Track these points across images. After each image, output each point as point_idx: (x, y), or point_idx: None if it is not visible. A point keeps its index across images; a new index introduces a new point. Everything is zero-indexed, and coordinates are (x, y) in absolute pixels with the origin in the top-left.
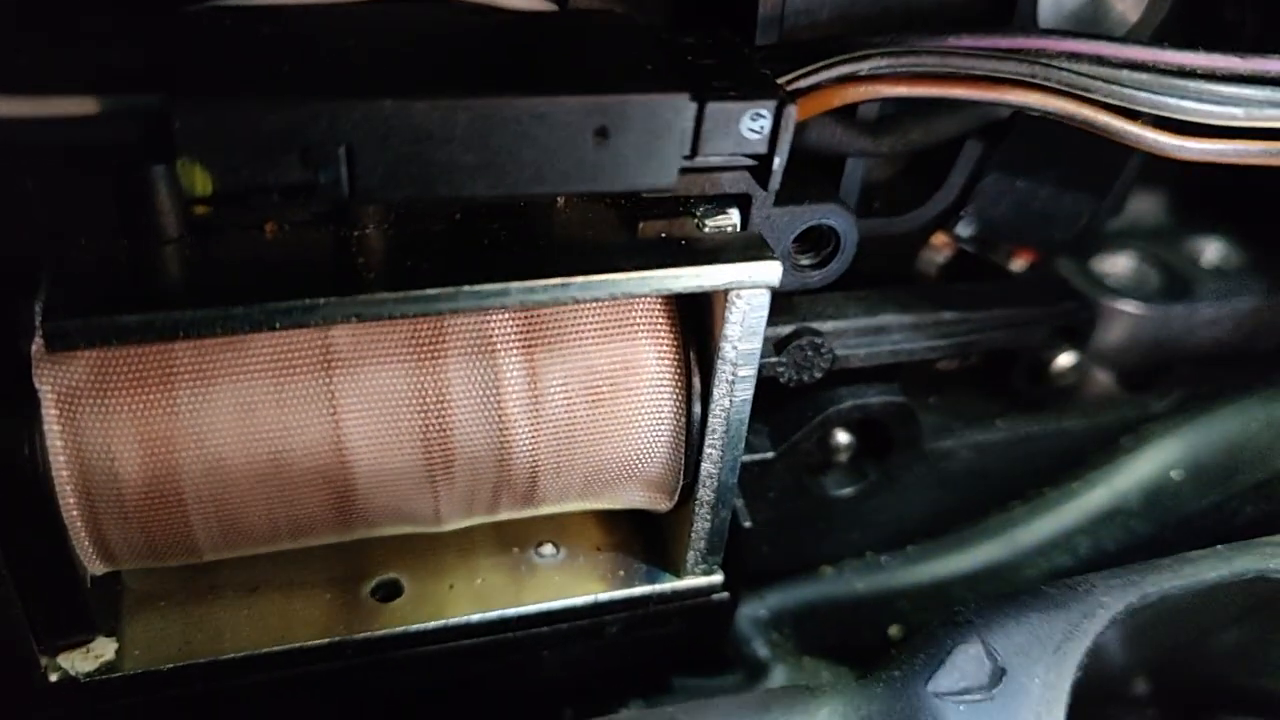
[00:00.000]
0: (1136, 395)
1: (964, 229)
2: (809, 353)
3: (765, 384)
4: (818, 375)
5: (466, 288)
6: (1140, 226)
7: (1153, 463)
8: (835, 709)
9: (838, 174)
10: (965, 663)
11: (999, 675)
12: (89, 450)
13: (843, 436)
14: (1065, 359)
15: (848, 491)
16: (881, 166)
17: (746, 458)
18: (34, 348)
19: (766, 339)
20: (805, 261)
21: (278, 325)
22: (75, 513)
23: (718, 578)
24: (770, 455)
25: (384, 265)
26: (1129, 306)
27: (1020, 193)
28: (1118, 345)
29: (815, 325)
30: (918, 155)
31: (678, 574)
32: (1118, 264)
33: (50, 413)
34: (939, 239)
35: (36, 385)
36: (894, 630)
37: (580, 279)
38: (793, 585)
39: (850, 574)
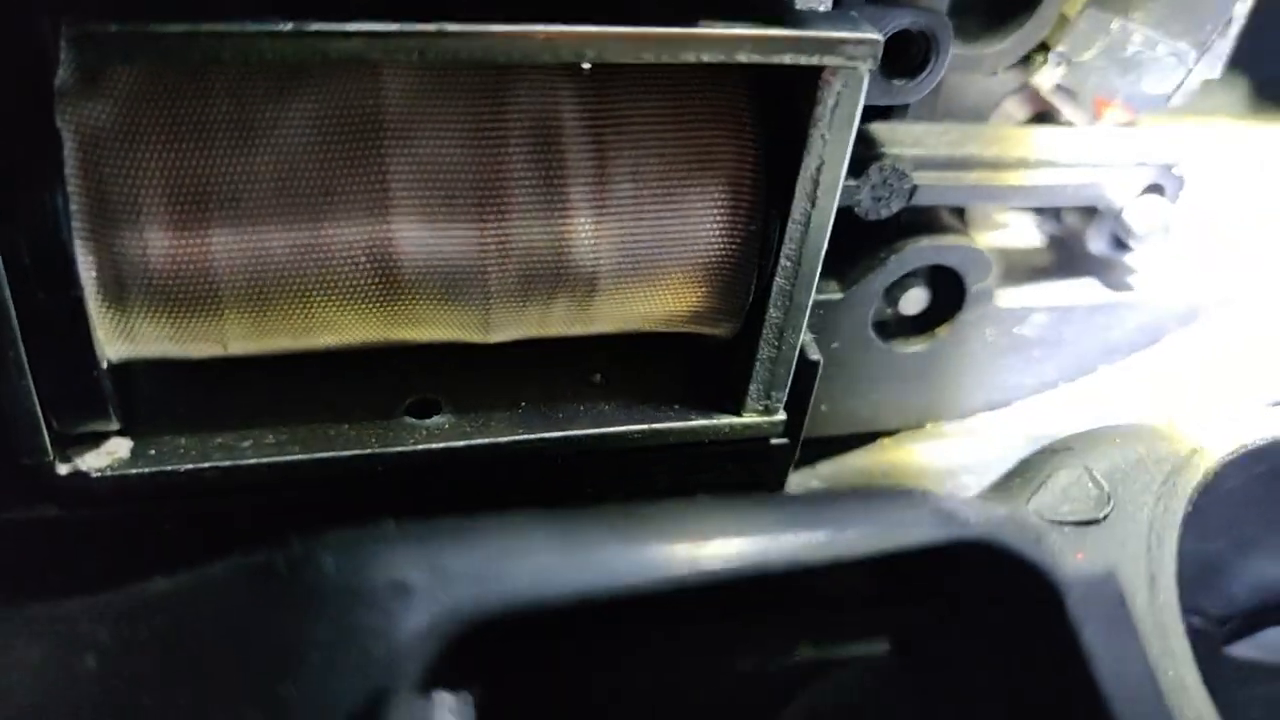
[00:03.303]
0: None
1: (1050, 72)
2: (889, 178)
3: (836, 221)
4: (895, 209)
5: (543, 27)
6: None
7: None
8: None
9: None
10: (1069, 487)
11: (1105, 501)
12: (113, 204)
13: (914, 287)
14: (1154, 218)
15: (914, 349)
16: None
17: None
18: (58, 80)
19: None
20: (891, 75)
21: (332, 55)
22: (94, 274)
23: (780, 417)
24: (838, 296)
25: (449, 5)
26: None
27: (1114, 35)
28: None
29: (896, 151)
30: None
31: (737, 412)
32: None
33: (72, 158)
34: (1012, 103)
35: (59, 125)
36: None
37: (665, 31)
38: (850, 454)
39: (911, 445)
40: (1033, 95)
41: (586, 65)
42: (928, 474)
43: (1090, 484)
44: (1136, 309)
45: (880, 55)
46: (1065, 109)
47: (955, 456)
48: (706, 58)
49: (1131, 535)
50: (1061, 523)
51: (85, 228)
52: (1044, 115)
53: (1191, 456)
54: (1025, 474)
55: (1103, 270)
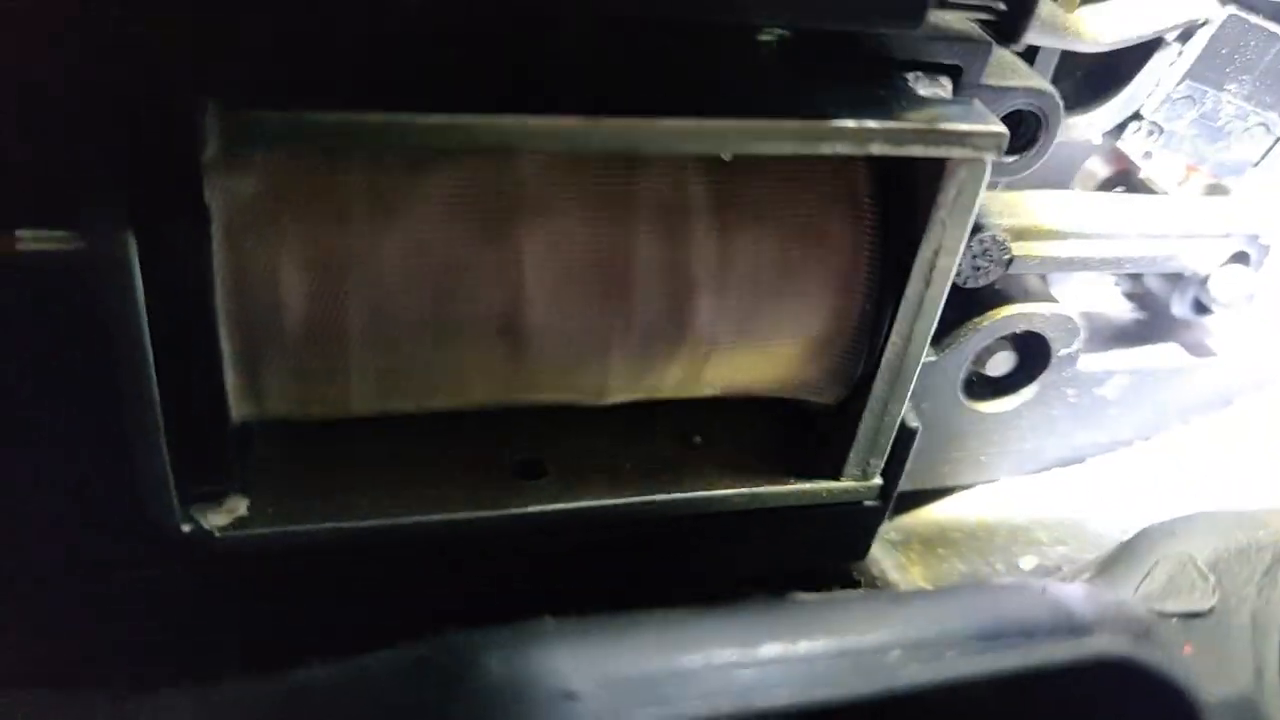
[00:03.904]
0: None
1: (1142, 141)
2: (989, 249)
3: None
4: (993, 278)
5: (687, 121)
6: None
7: None
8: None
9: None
10: (1175, 576)
11: (1211, 592)
12: (254, 273)
13: (1002, 350)
14: (1239, 287)
15: (999, 409)
16: (1067, 68)
17: None
18: (207, 155)
19: None
20: None
21: (482, 144)
22: (231, 342)
23: (876, 481)
24: (932, 359)
25: (581, 92)
26: None
27: (1208, 106)
28: None
29: (995, 221)
30: (1104, 61)
31: (835, 476)
32: None
33: (218, 229)
34: (1095, 162)
35: (207, 199)
36: (1026, 561)
37: (802, 124)
38: (926, 507)
39: (986, 500)
40: (1115, 155)
41: (727, 157)
42: (1002, 530)
43: (1195, 574)
44: (1212, 372)
45: (1005, 146)
46: (1150, 172)
47: (1030, 513)
48: (841, 149)
49: (1236, 628)
50: (1169, 614)
51: (227, 297)
52: (1124, 173)
53: None
54: (1128, 560)
55: (1181, 333)
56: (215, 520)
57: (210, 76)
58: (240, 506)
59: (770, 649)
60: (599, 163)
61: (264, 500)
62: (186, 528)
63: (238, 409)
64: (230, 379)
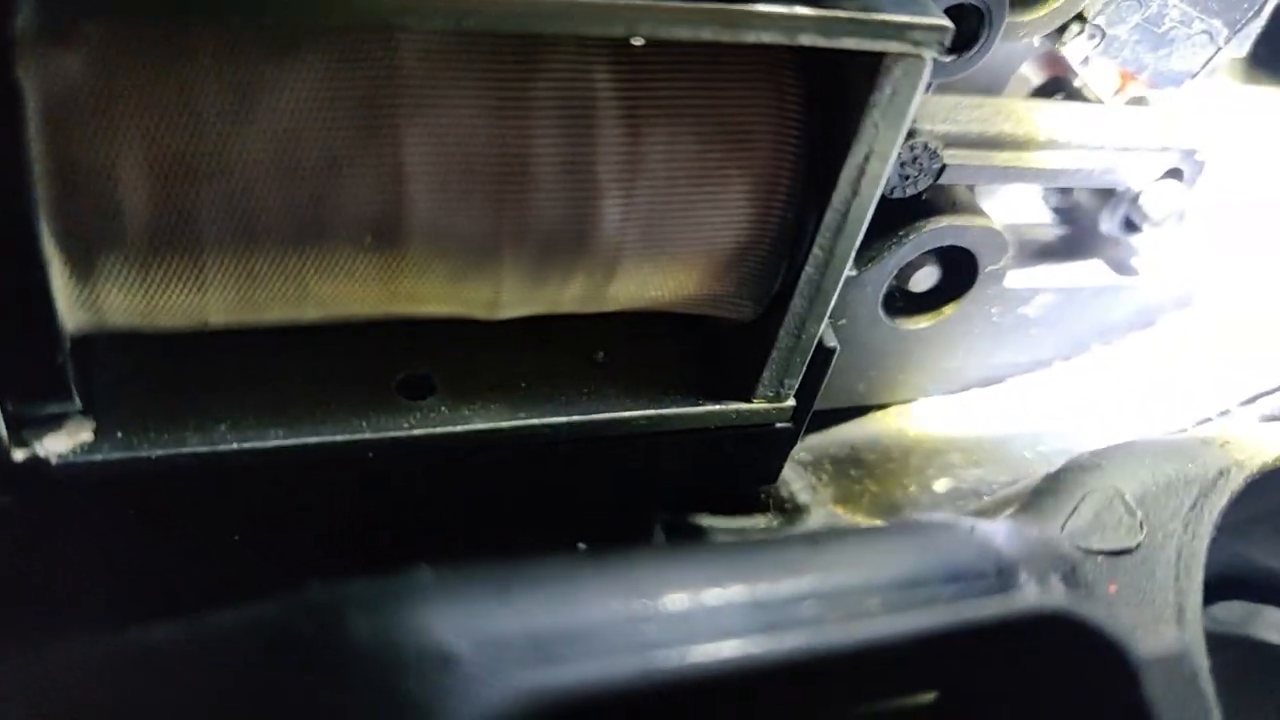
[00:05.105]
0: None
1: (1083, 44)
2: (919, 157)
3: None
4: (921, 188)
5: None
6: None
7: None
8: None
9: None
10: (1101, 512)
11: (1138, 528)
12: (85, 170)
13: (927, 265)
14: (1171, 204)
15: (919, 327)
16: None
17: None
18: (17, 25)
19: None
20: None
21: (353, 19)
22: (59, 245)
23: (790, 403)
24: (853, 273)
25: None
26: None
27: (1153, 10)
28: None
29: (927, 127)
30: None
31: (746, 398)
32: None
33: (36, 116)
34: (1029, 68)
35: (20, 80)
36: (940, 484)
37: (727, 7)
38: (838, 426)
39: (901, 420)
40: (1050, 61)
41: (639, 41)
42: (917, 452)
43: (1122, 510)
44: (1136, 291)
45: (948, 41)
46: (1088, 79)
47: (945, 432)
48: (767, 38)
49: (1161, 564)
50: (1095, 552)
51: (51, 195)
52: (1056, 80)
53: (1218, 479)
54: (1055, 494)
55: (1108, 250)
56: (54, 446)
57: None
58: (84, 431)
59: (675, 600)
60: (492, 46)
61: (112, 423)
62: (19, 455)
63: (72, 319)
64: (59, 285)
